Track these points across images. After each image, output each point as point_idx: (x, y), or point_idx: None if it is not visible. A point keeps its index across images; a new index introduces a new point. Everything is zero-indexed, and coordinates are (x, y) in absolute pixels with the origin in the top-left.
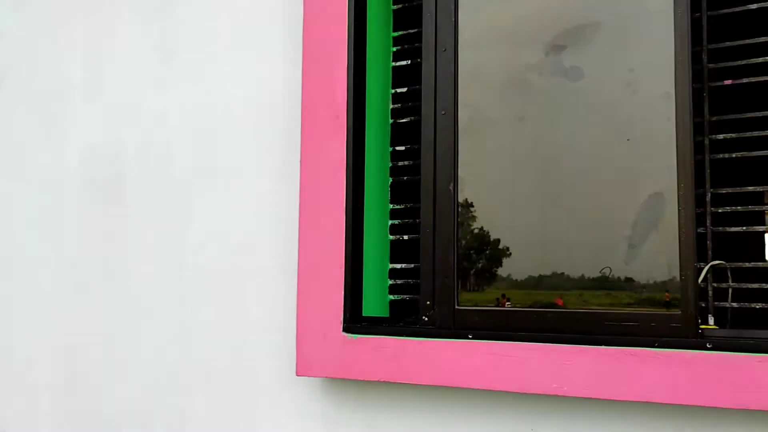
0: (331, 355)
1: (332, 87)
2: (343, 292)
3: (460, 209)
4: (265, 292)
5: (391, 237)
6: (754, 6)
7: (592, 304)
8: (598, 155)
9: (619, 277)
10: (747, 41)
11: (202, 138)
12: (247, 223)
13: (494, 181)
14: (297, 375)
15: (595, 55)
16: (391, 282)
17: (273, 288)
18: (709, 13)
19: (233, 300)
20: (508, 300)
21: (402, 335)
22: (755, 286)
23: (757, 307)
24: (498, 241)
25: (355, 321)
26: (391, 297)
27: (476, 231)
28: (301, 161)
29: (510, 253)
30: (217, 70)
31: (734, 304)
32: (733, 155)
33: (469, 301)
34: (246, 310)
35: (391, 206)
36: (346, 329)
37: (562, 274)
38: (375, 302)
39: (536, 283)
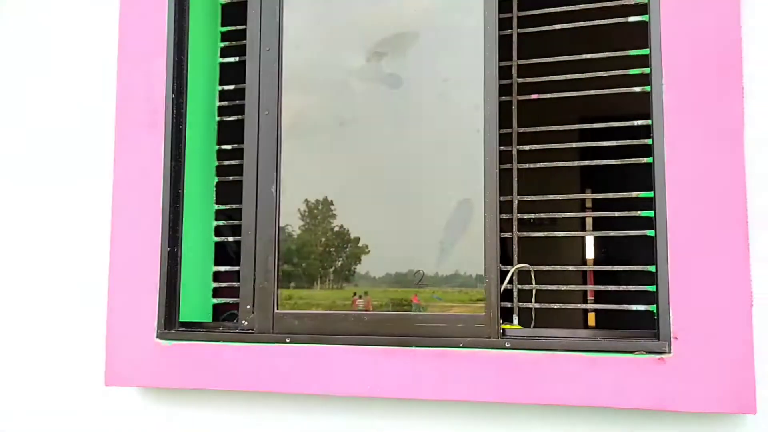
0: (143, 363)
1: (150, 81)
2: (157, 297)
3: (320, 207)
4: (76, 297)
5: (216, 239)
6: (558, 27)
7: (446, 300)
8: (416, 161)
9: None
10: (553, 59)
11: (11, 135)
12: (58, 224)
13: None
14: (106, 385)
15: (413, 64)
16: (215, 285)
17: (85, 293)
18: (519, 30)
19: (42, 305)
20: (360, 297)
21: (219, 341)
22: (556, 287)
23: (555, 307)
24: (358, 239)
25: (171, 327)
26: (215, 301)
27: (336, 229)
28: (114, 159)
29: (368, 251)
30: (28, 62)
31: (536, 305)
32: (538, 165)
33: (327, 299)
34: (55, 316)
35: (216, 207)
36: (160, 336)
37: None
38: (196, 307)
39: (394, 280)
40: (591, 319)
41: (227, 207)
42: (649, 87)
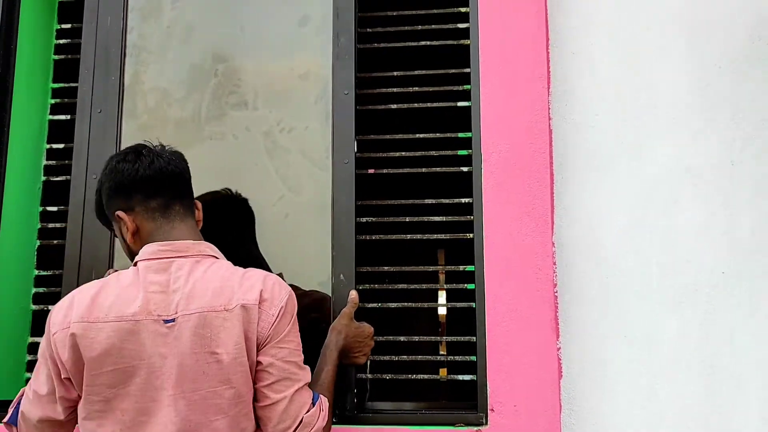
0: None
1: None
2: None
3: None
4: None
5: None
6: (394, 106)
7: None
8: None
9: None
10: (389, 136)
11: None
12: None
13: None
14: None
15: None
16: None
17: None
18: (358, 107)
19: None
20: None
21: None
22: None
23: (387, 377)
24: None
25: None
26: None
27: None
28: None
29: None
30: None
31: (370, 375)
32: (375, 237)
33: None
34: None
35: (36, 272)
36: None
37: None
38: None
39: None
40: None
41: (49, 273)
42: (471, 167)
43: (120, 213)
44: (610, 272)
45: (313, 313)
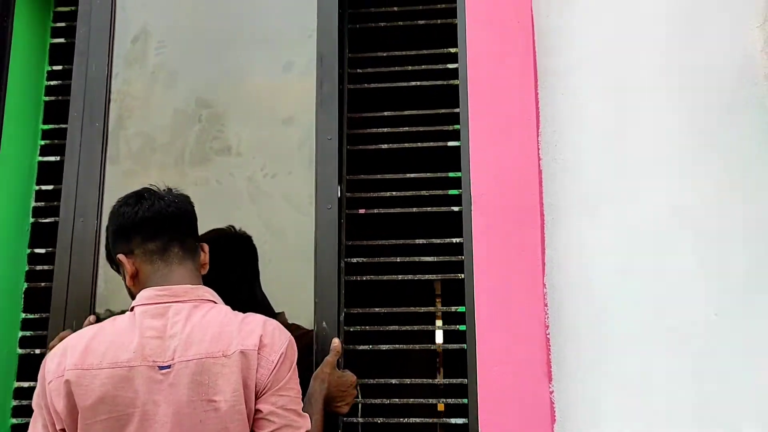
0: None
1: None
2: None
3: None
4: None
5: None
6: (385, 146)
7: None
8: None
9: None
10: (379, 176)
11: None
12: None
13: None
14: None
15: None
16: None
17: None
18: (348, 147)
19: None
20: None
21: None
22: (380, 401)
23: (379, 421)
24: None
25: None
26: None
27: None
28: None
29: None
30: None
31: (361, 419)
32: (365, 278)
33: None
34: None
35: (23, 315)
36: None
37: None
38: None
39: None
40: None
41: (36, 316)
42: (460, 207)
43: (120, 256)
44: (602, 314)
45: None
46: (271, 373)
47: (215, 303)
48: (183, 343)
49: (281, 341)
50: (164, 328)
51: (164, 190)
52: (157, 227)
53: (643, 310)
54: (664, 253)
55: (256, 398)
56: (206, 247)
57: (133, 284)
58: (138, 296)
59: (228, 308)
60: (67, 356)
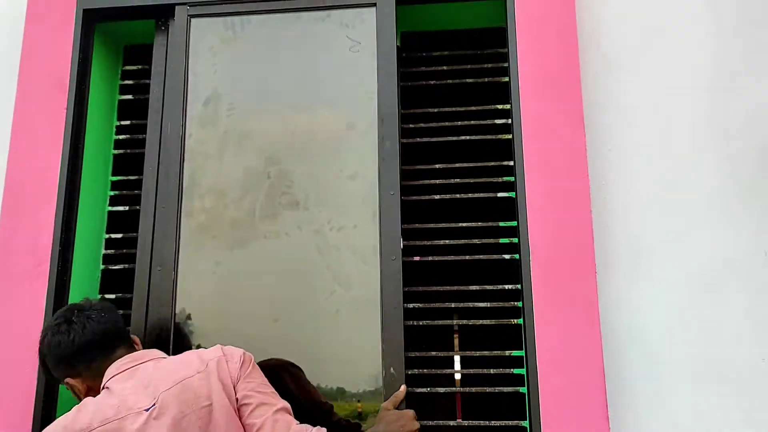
0: None
1: (36, 233)
2: None
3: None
4: None
5: None
6: (437, 197)
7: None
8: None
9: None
10: (431, 225)
11: None
12: None
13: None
14: None
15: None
16: None
17: None
18: (402, 197)
19: None
20: None
21: None
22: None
23: None
24: None
25: None
26: None
27: None
28: None
29: None
30: None
31: None
32: (422, 323)
33: None
34: None
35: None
36: None
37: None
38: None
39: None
40: None
41: None
42: (517, 255)
43: (69, 380)
44: (655, 359)
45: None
46: (238, 369)
47: (165, 356)
48: (159, 383)
49: (238, 350)
50: (140, 384)
51: (86, 304)
52: (95, 348)
53: (695, 356)
54: (714, 301)
55: (234, 390)
56: (138, 339)
57: (88, 394)
58: (105, 375)
59: (184, 352)
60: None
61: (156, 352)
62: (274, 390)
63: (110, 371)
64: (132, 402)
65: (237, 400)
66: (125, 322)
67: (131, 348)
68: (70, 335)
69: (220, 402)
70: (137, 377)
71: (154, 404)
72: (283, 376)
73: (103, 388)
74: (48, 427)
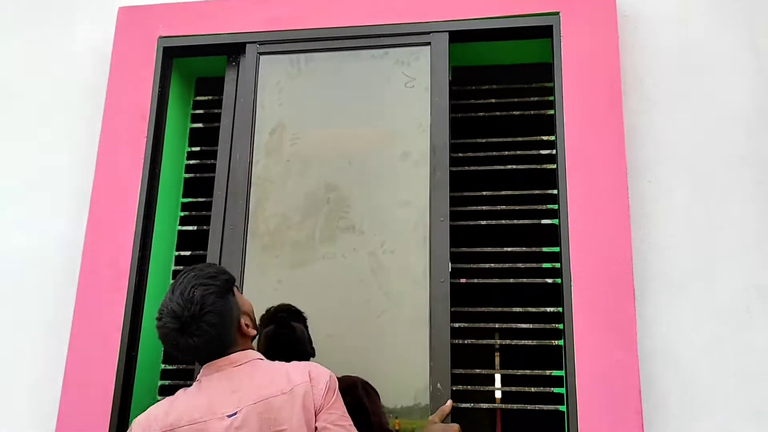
0: None
1: (117, 250)
2: None
3: None
4: None
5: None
6: (483, 222)
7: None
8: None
9: None
10: (477, 249)
11: None
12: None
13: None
14: None
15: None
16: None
17: None
18: (451, 223)
19: None
20: None
21: None
22: None
23: None
24: None
25: None
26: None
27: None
28: (72, 321)
29: None
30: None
31: None
32: (467, 342)
33: None
34: None
35: (164, 366)
36: None
37: None
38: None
39: None
40: None
41: (173, 367)
42: (559, 279)
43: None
44: (689, 383)
45: (346, 397)
46: (322, 396)
47: (262, 359)
48: (246, 394)
49: (325, 374)
50: (230, 387)
51: (201, 299)
52: (202, 354)
53: (728, 380)
54: (746, 327)
55: (315, 418)
56: (249, 307)
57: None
58: (202, 370)
59: (276, 362)
60: (151, 424)
61: (251, 354)
62: (351, 423)
63: (207, 369)
64: (217, 406)
65: (315, 429)
66: None
67: (237, 346)
68: (179, 344)
69: (296, 428)
70: (230, 379)
71: (236, 413)
72: (360, 394)
73: (198, 380)
74: (143, 414)
